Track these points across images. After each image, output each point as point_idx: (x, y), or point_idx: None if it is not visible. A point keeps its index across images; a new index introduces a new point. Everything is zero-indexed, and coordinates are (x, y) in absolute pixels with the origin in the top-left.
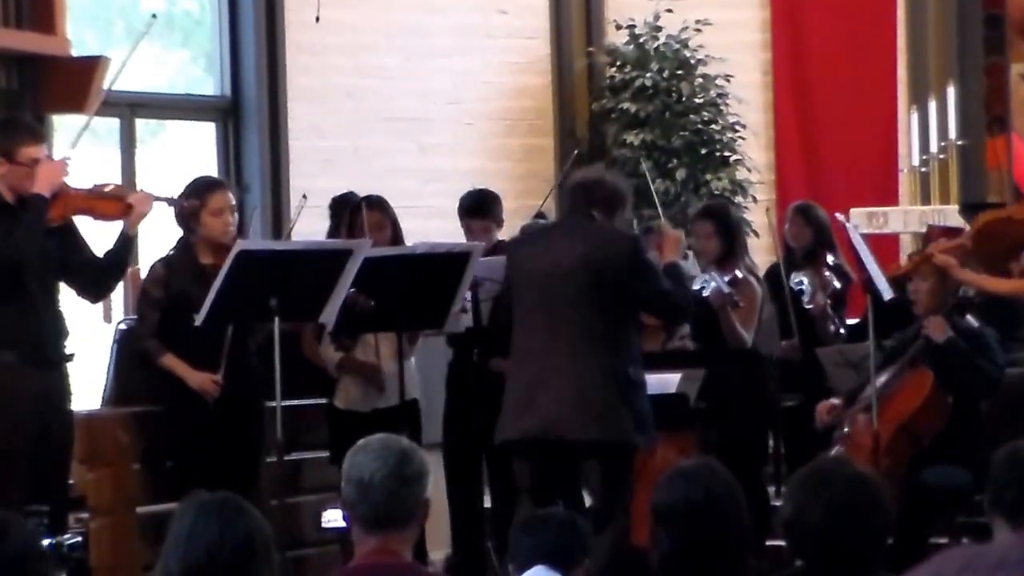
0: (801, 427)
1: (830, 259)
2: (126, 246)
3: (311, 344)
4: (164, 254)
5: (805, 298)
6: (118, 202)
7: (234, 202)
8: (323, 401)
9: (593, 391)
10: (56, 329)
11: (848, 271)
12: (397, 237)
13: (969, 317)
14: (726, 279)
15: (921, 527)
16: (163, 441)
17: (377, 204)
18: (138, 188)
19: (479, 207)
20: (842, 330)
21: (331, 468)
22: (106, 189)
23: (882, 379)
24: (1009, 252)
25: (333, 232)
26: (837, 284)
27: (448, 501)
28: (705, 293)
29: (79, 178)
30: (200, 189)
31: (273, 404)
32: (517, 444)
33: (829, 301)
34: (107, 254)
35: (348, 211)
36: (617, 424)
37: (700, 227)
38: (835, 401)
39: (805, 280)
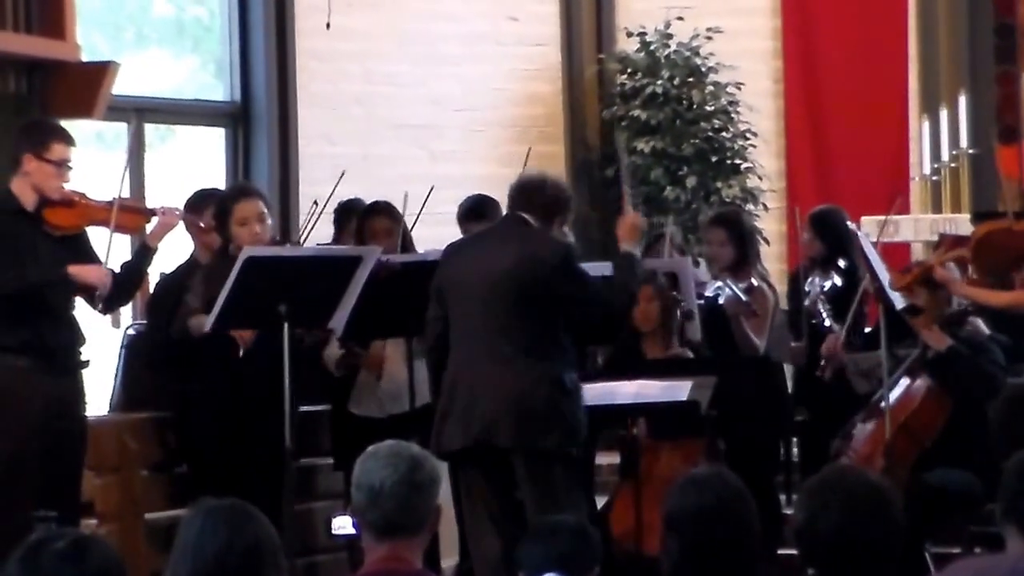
0: (814, 436)
1: (841, 263)
2: (146, 259)
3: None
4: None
5: (807, 301)
6: (136, 215)
7: (264, 210)
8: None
9: (525, 399)
10: (71, 336)
11: (858, 277)
12: (406, 243)
13: (981, 324)
14: (742, 287)
15: (921, 528)
16: (178, 446)
17: (385, 210)
18: (147, 196)
19: (476, 210)
20: (829, 322)
21: (342, 474)
22: (124, 202)
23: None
24: (1009, 263)
25: (336, 239)
26: (838, 281)
27: (456, 509)
28: (720, 300)
29: (90, 185)
30: (225, 199)
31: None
32: (458, 455)
33: (822, 296)
34: (124, 266)
35: (355, 218)
36: (549, 432)
37: (713, 234)
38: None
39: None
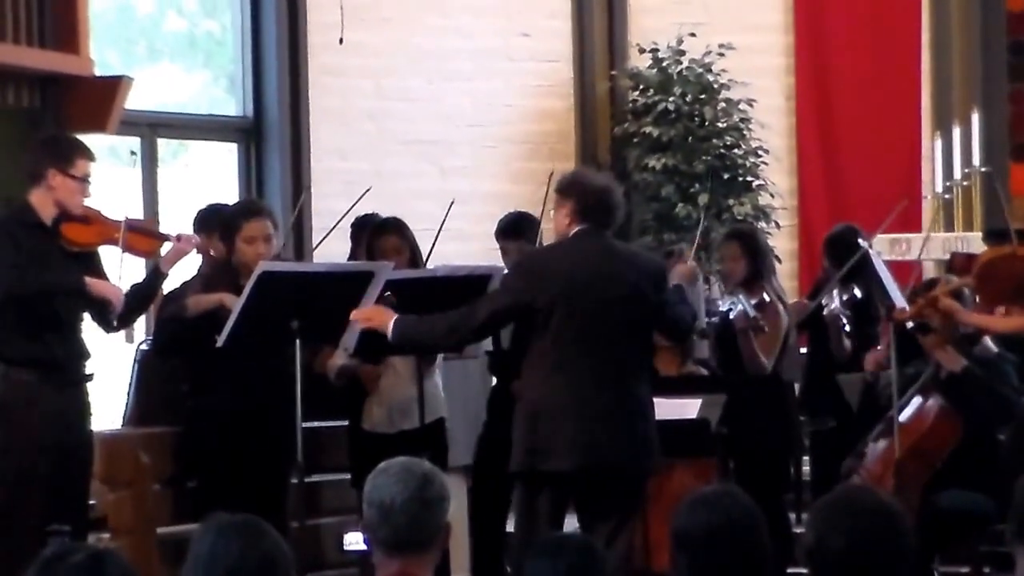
0: (827, 454)
1: (857, 292)
2: (156, 282)
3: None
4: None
5: (825, 310)
6: (148, 238)
7: (271, 231)
8: (345, 423)
9: (638, 420)
10: (77, 350)
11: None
12: (416, 260)
13: (989, 342)
14: (753, 302)
15: (932, 548)
16: (186, 460)
17: (395, 227)
18: (160, 211)
19: (512, 228)
20: (848, 328)
21: (353, 490)
22: (134, 222)
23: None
24: (1014, 289)
25: (354, 254)
26: (857, 292)
27: (472, 524)
28: (732, 316)
29: (103, 200)
30: (235, 215)
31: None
32: (569, 475)
33: (845, 298)
34: (134, 287)
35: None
36: (652, 450)
37: (727, 249)
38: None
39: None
